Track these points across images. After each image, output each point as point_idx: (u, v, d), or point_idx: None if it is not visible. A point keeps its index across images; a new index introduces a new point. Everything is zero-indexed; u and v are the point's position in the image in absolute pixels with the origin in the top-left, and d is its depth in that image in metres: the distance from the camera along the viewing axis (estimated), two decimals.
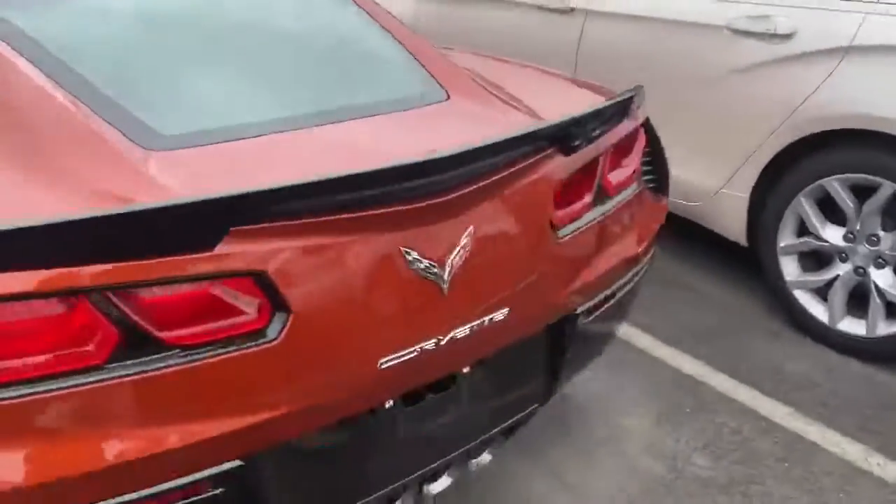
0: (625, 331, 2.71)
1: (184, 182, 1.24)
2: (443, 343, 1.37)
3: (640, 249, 1.83)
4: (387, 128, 1.57)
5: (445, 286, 1.34)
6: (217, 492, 1.20)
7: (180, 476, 1.15)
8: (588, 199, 1.63)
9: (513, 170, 1.43)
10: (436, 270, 1.32)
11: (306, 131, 1.47)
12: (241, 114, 1.49)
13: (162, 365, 1.10)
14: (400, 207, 1.27)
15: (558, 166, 1.52)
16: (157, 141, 1.33)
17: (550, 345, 1.68)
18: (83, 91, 1.37)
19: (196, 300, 1.13)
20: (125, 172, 1.25)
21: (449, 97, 1.74)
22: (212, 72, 1.60)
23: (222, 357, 1.14)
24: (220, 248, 1.11)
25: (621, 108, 1.70)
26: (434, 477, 1.66)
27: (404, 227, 1.29)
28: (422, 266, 1.31)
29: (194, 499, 1.18)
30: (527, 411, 1.73)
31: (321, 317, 1.22)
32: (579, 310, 1.66)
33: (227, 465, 1.19)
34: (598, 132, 1.61)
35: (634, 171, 1.80)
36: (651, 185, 2.01)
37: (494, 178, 1.39)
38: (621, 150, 1.75)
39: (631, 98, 1.73)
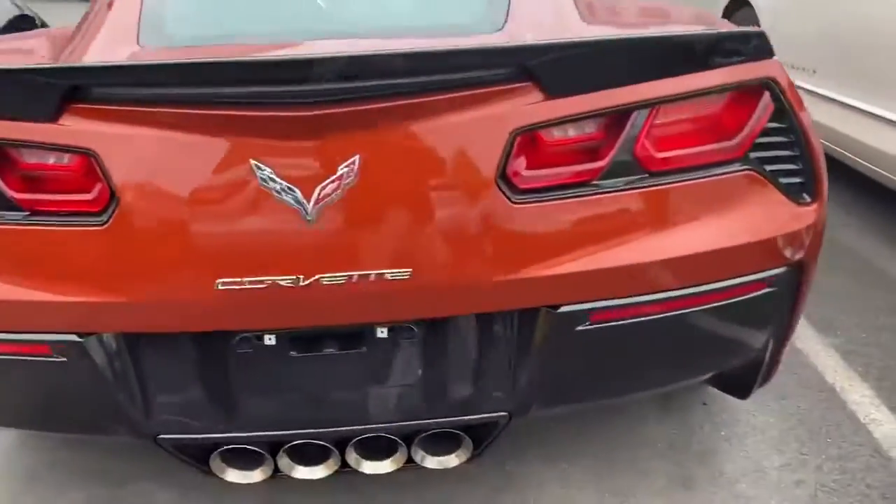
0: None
1: None
2: (307, 284, 1.21)
3: (731, 265, 1.38)
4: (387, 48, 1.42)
5: (309, 218, 1.18)
6: (58, 359, 1.28)
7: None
8: (598, 163, 1.28)
9: (439, 97, 1.19)
10: (295, 196, 1.17)
11: (305, 44, 1.50)
12: (256, 25, 1.65)
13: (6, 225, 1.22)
14: (256, 112, 1.14)
15: (533, 107, 1.23)
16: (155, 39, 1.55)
17: (517, 342, 1.38)
18: None
19: (38, 168, 1.24)
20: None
21: (503, 28, 1.56)
22: None
23: (59, 230, 1.22)
24: (61, 122, 1.18)
25: (704, 49, 1.28)
26: (364, 452, 1.46)
27: (259, 137, 1.17)
28: (276, 187, 1.17)
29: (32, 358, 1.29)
30: (487, 417, 1.42)
31: (152, 213, 1.21)
32: (565, 307, 1.31)
33: (65, 337, 1.26)
34: (626, 73, 1.25)
35: (728, 147, 1.35)
36: (786, 179, 1.41)
37: (405, 101, 1.17)
38: (699, 110, 1.36)
39: (728, 38, 1.31)
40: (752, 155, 1.37)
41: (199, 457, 1.43)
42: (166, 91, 1.18)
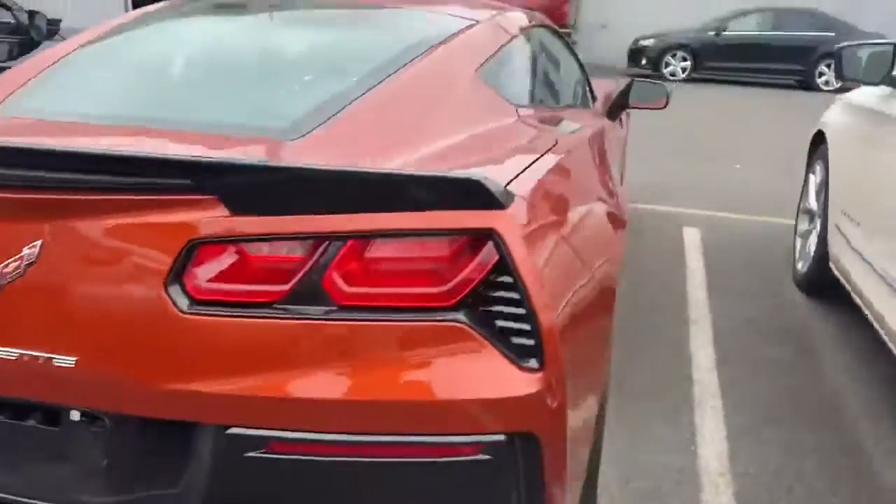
0: None
1: None
2: None
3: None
4: (178, 144, 1.49)
5: None
6: None
7: None
8: (280, 287, 1.23)
9: (118, 197, 1.22)
10: None
11: (120, 129, 1.56)
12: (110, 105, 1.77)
13: None
14: None
15: (214, 220, 1.21)
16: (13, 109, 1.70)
17: (189, 456, 1.29)
18: None
19: None
20: None
21: (304, 136, 1.49)
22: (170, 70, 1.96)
23: None
24: None
25: (417, 190, 1.21)
26: None
27: None
28: None
29: None
30: None
31: None
32: (235, 429, 1.24)
33: None
34: (323, 202, 1.21)
35: (437, 294, 1.24)
36: (507, 340, 1.27)
37: (86, 196, 1.22)
38: (408, 251, 1.27)
39: (448, 182, 1.22)
40: (467, 307, 1.26)
41: None
42: None
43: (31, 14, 3.89)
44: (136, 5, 19.45)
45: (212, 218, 1.22)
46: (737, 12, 14.42)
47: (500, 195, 1.23)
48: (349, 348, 1.25)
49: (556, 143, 1.83)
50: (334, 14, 2.43)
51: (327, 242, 1.24)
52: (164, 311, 1.23)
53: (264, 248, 1.26)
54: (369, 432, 1.26)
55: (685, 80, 13.97)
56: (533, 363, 1.27)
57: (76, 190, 1.23)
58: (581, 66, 3.30)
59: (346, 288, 1.24)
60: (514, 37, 2.31)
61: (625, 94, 3.26)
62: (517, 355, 1.27)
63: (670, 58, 14.27)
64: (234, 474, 1.29)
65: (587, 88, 3.27)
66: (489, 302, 1.27)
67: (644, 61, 14.35)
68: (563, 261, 1.47)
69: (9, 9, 3.87)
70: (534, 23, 2.69)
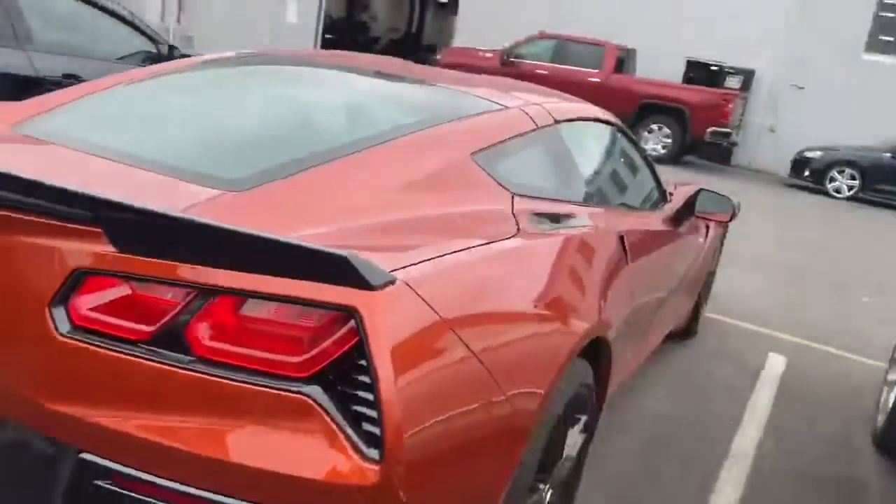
0: None
1: None
2: None
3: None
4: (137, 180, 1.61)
5: None
6: None
7: None
8: (148, 328, 1.29)
9: (18, 216, 1.31)
10: None
11: (105, 161, 1.69)
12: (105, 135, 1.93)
13: None
14: None
15: (99, 253, 1.29)
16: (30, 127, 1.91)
17: (48, 474, 1.37)
18: None
19: None
20: None
21: (250, 189, 1.58)
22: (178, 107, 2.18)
23: None
24: None
25: (289, 258, 1.22)
26: None
27: None
28: None
29: None
30: None
31: None
32: (87, 455, 1.31)
33: None
34: (200, 255, 1.25)
35: (291, 364, 1.27)
36: (353, 424, 1.27)
37: None
38: (271, 314, 1.31)
39: (319, 256, 1.19)
40: (321, 382, 1.25)
41: None
42: None
43: (171, 48, 4.35)
44: (324, 44, 21.03)
45: (101, 251, 1.30)
46: None
47: (368, 275, 1.22)
48: (200, 401, 1.28)
49: (517, 234, 1.78)
50: (363, 80, 2.53)
51: (197, 293, 1.28)
52: (44, 331, 1.31)
53: (142, 288, 1.32)
54: (203, 488, 1.27)
55: (849, 199, 13.06)
56: (373, 453, 1.24)
57: None
58: (650, 165, 3.20)
59: (207, 341, 1.27)
60: (541, 127, 2.29)
61: (691, 202, 3.13)
62: (363, 442, 1.24)
63: (836, 173, 13.41)
64: (82, 498, 1.34)
65: (652, 189, 3.16)
66: (346, 382, 1.25)
67: (807, 173, 13.57)
68: (448, 366, 1.41)
69: (154, 41, 4.34)
70: (582, 116, 2.65)
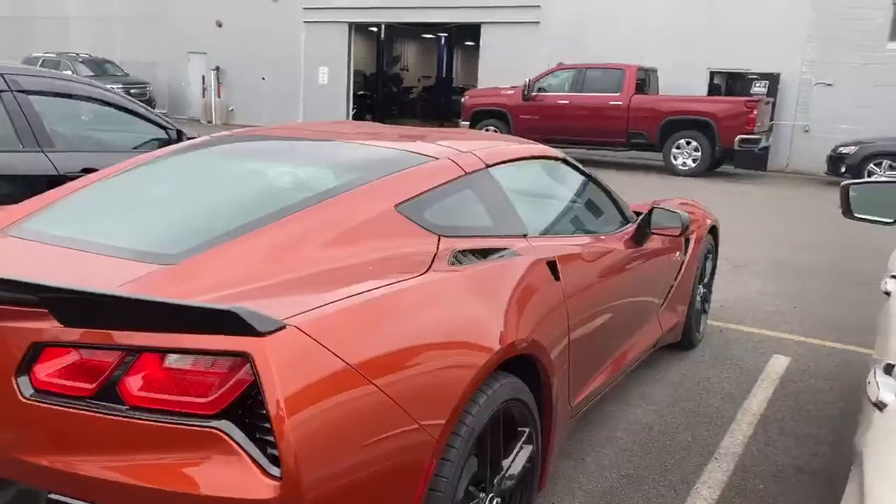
0: None
1: None
2: None
3: None
4: (79, 262, 1.93)
5: None
6: None
7: None
8: (90, 385, 1.58)
9: None
10: None
11: (51, 247, 2.05)
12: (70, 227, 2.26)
13: None
14: None
15: (48, 328, 1.58)
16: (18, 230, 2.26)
17: None
18: None
19: None
20: None
21: (178, 262, 1.89)
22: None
23: None
24: None
25: (188, 316, 1.51)
26: None
27: None
28: None
29: None
30: None
31: None
32: (55, 496, 1.61)
33: None
34: (122, 320, 1.55)
35: (202, 404, 1.55)
36: (257, 449, 1.55)
37: None
38: (183, 364, 1.58)
39: (209, 313, 1.50)
40: (228, 416, 1.53)
41: None
42: None
43: (179, 133, 4.77)
44: (356, 101, 21.72)
45: (47, 326, 1.61)
46: None
47: (256, 324, 1.49)
48: (138, 441, 1.57)
49: (428, 272, 2.02)
50: (311, 148, 2.83)
51: (125, 353, 1.57)
52: (9, 394, 1.62)
53: (84, 354, 1.62)
54: None
55: None
56: (276, 471, 1.50)
57: None
58: (607, 192, 3.41)
59: (136, 391, 1.56)
60: (470, 172, 2.55)
61: (645, 220, 3.33)
62: (269, 462, 1.51)
63: (874, 166, 13.19)
64: None
65: (607, 213, 3.37)
66: (251, 415, 1.52)
67: (843, 169, 13.39)
68: (344, 395, 1.64)
69: (164, 128, 4.78)
70: (520, 156, 2.90)
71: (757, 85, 16.00)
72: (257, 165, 2.69)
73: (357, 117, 21.64)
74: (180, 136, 4.77)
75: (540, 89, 15.44)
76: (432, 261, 2.11)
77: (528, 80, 15.39)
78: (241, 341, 1.52)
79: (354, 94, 21.79)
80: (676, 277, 3.94)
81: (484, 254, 2.36)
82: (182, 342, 1.54)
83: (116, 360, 1.60)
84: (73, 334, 1.61)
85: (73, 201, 2.52)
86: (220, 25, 21.97)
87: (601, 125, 14.73)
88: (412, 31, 25.27)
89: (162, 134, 4.79)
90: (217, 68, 22.16)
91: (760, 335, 4.89)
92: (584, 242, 2.98)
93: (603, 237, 3.16)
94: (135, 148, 4.65)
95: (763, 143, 14.39)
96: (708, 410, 3.70)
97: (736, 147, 13.82)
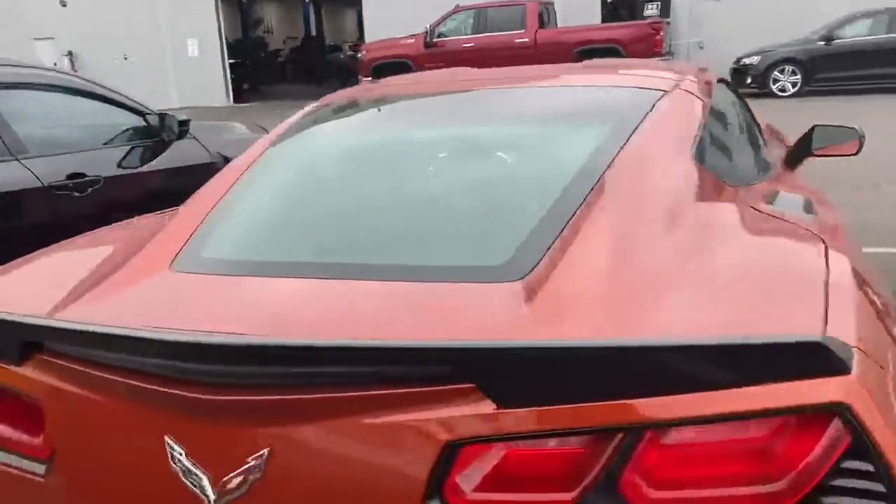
0: None
1: None
2: None
3: None
4: (392, 298, 1.28)
5: None
6: None
7: None
8: (567, 495, 0.99)
9: (361, 393, 1.02)
10: (200, 482, 1.06)
11: (320, 282, 1.36)
12: (290, 251, 1.56)
13: None
14: (176, 390, 1.07)
15: (478, 416, 0.99)
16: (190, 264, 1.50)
17: None
18: None
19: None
20: None
21: (525, 276, 1.27)
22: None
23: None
24: (23, 367, 1.24)
25: (746, 357, 0.96)
26: None
27: (176, 415, 1.09)
28: (183, 466, 1.08)
29: None
30: None
31: (83, 469, 1.21)
32: None
33: None
34: (616, 384, 0.97)
35: (775, 492, 0.98)
36: None
37: (321, 395, 1.03)
38: (731, 436, 1.00)
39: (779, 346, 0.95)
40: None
41: None
42: (98, 354, 1.16)
43: (162, 116, 3.88)
44: (232, 69, 20.26)
45: (474, 413, 0.98)
46: (847, 18, 13.59)
47: (844, 356, 0.93)
48: None
49: (828, 244, 1.47)
50: (491, 101, 2.20)
51: (623, 435, 0.97)
52: None
53: (536, 447, 1.00)
54: None
55: (794, 96, 13.22)
56: None
57: (306, 388, 1.02)
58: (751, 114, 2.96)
59: (652, 493, 0.96)
60: (706, 103, 2.01)
61: (806, 140, 2.88)
62: None
63: (778, 73, 13.55)
64: None
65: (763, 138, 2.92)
66: (846, 494, 0.96)
67: (749, 80, 13.68)
68: None
69: (142, 115, 3.87)
70: (715, 79, 2.39)
71: (649, 7, 16.06)
72: (466, 130, 2.01)
73: (235, 87, 20.11)
74: (163, 123, 3.88)
75: (440, 35, 14.81)
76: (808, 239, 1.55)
77: (427, 26, 14.70)
78: (827, 387, 0.95)
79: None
80: None
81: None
82: (722, 404, 0.96)
83: (606, 448, 0.98)
84: (519, 420, 0.99)
85: (239, 212, 1.76)
86: (64, 5, 19.61)
87: (511, 64, 14.30)
88: None
89: (140, 122, 3.88)
90: (70, 53, 19.82)
91: None
92: (792, 176, 2.53)
93: (783, 170, 2.71)
94: (107, 142, 3.75)
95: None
96: None
97: None
